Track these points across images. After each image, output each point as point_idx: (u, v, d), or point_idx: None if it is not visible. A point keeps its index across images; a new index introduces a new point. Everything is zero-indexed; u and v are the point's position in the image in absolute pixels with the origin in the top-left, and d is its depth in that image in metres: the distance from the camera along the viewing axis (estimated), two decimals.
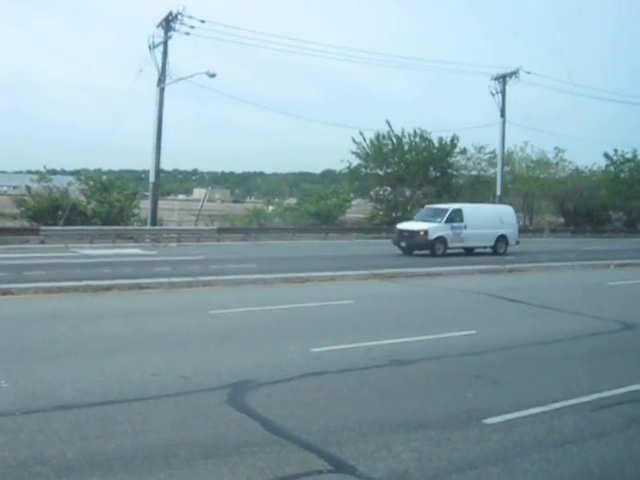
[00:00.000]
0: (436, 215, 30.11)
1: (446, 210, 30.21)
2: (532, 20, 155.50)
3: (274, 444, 5.81)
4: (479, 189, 52.69)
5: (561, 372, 8.67)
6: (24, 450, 5.53)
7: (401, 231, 30.18)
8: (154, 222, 38.26)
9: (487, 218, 30.61)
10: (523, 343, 10.45)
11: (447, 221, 29.23)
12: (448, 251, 28.85)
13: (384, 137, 48.36)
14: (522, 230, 52.35)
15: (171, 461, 5.36)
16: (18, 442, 5.71)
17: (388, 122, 48.29)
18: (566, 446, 5.92)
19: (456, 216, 29.47)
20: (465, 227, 29.33)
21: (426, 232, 28.72)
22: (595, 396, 7.39)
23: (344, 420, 6.46)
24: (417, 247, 29.07)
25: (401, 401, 7.28)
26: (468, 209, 30.73)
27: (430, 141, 48.95)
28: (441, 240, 28.85)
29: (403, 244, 29.42)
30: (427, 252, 28.55)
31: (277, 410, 6.77)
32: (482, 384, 8.06)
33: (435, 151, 48.84)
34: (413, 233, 29.27)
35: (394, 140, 48.37)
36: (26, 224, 36.09)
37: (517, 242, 31.33)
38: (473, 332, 11.10)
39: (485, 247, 30.28)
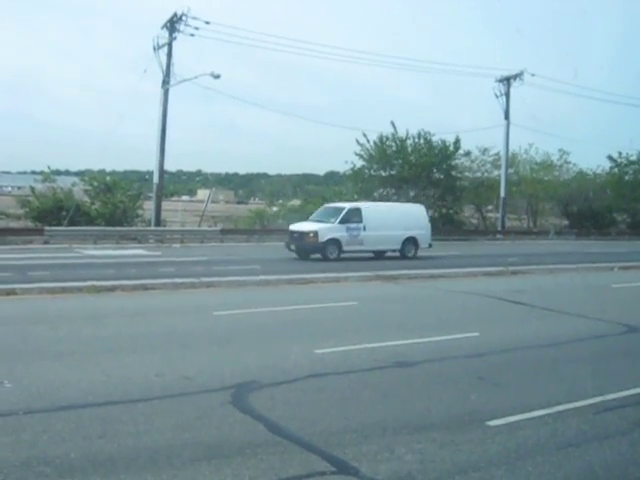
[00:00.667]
0: (332, 215, 27.11)
1: (342, 209, 27.19)
2: (537, 21, 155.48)
3: (277, 445, 5.81)
4: (483, 191, 52.66)
5: (564, 375, 8.66)
6: (27, 450, 5.54)
7: (292, 232, 27.17)
8: (158, 223, 38.30)
9: (392, 218, 27.48)
10: (526, 345, 10.43)
11: (342, 221, 26.21)
12: (345, 255, 25.97)
13: (387, 139, 48.32)
14: (526, 232, 52.54)
15: (174, 462, 5.37)
16: (21, 442, 5.73)
17: (392, 123, 48.24)
18: (569, 449, 5.92)
19: (353, 216, 26.50)
20: (364, 228, 26.34)
21: (316, 234, 25.70)
22: (598, 399, 7.38)
23: (347, 422, 6.46)
24: (307, 250, 26.08)
25: (404, 403, 7.28)
26: (368, 208, 27.83)
27: (433, 143, 48.88)
28: (334, 243, 25.87)
29: (293, 247, 26.58)
30: (319, 256, 25.80)
31: (280, 411, 6.77)
32: (485, 386, 8.05)
33: (438, 153, 48.75)
34: (303, 235, 26.21)
35: (398, 142, 48.32)
36: (30, 224, 36.11)
37: (430, 245, 28.34)
38: (476, 334, 11.09)
39: (391, 251, 27.50)
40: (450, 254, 29.44)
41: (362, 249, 26.64)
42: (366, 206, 28.40)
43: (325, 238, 25.71)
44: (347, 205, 28.31)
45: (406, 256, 27.09)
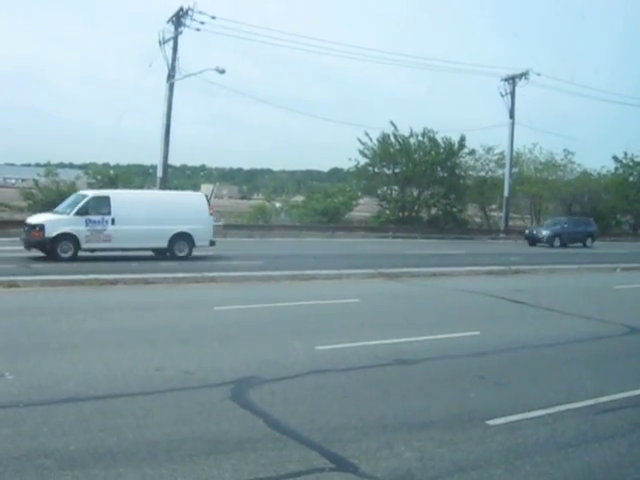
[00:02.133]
0: (74, 204, 22.16)
1: (83, 197, 22.42)
2: (538, 21, 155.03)
3: (277, 441, 5.82)
4: (486, 190, 52.62)
5: (565, 375, 8.65)
6: (28, 442, 5.56)
7: (25, 225, 22.33)
8: None
9: (155, 210, 22.32)
10: (527, 345, 10.43)
11: (80, 213, 21.35)
12: (84, 254, 21.48)
13: (389, 137, 48.29)
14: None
15: (174, 456, 5.38)
16: (22, 434, 5.75)
17: (392, 123, 48.24)
18: (568, 449, 5.92)
19: (98, 206, 21.60)
20: (113, 221, 21.48)
21: (42, 227, 20.99)
22: (598, 400, 7.37)
23: (347, 418, 6.47)
24: (35, 246, 21.43)
25: (404, 401, 7.28)
26: (120, 197, 22.85)
27: (437, 141, 48.84)
28: (67, 238, 21.02)
29: (24, 242, 21.84)
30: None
31: (280, 407, 6.78)
32: (486, 385, 8.05)
33: (443, 151, 48.72)
34: (30, 228, 21.48)
35: (400, 140, 48.28)
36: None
37: (212, 243, 23.75)
38: (477, 333, 11.09)
39: (155, 249, 22.71)
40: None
41: (110, 247, 21.76)
42: (117, 194, 23.66)
43: (54, 233, 20.90)
44: (90, 193, 23.54)
45: (176, 255, 22.35)
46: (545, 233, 40.83)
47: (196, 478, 4.98)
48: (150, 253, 22.54)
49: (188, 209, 23.13)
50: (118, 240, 21.54)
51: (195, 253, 23.08)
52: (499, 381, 8.24)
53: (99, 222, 21.38)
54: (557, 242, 39.84)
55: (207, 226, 23.49)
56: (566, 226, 41.62)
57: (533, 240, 40.85)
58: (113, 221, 21.50)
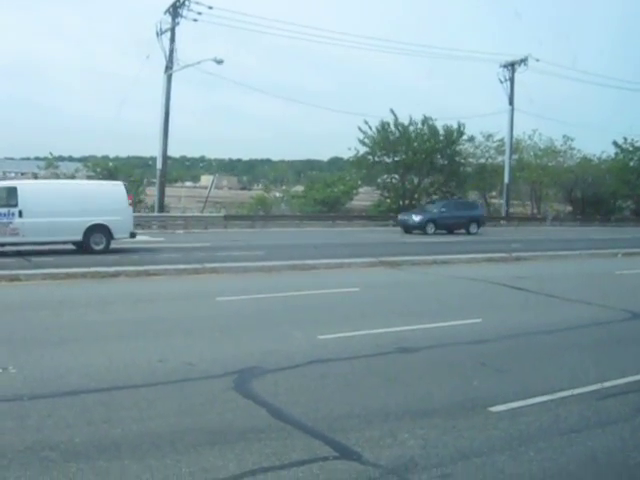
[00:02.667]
0: None
1: None
2: (537, 5, 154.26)
3: (280, 430, 5.84)
4: (487, 177, 52.58)
5: (567, 361, 8.66)
6: (32, 435, 5.57)
7: None
8: (161, 209, 38.36)
9: (68, 201, 20.74)
10: (529, 331, 10.43)
11: None
12: None
13: (389, 125, 48.20)
14: (529, 218, 52.40)
15: (178, 447, 5.40)
16: (26, 427, 5.76)
17: (392, 111, 48.14)
18: (571, 435, 5.93)
19: (4, 198, 20.17)
20: (20, 214, 19.97)
21: None
22: (601, 385, 7.38)
23: (350, 407, 6.48)
24: None
25: (407, 389, 7.29)
26: (29, 187, 21.22)
27: (437, 129, 48.75)
28: None
29: None
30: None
31: (283, 397, 6.79)
32: (488, 372, 8.06)
33: (443, 138, 48.64)
34: None
35: (400, 128, 48.19)
36: None
37: (133, 235, 22.36)
38: (479, 320, 11.09)
39: (69, 242, 21.31)
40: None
41: (18, 241, 20.36)
42: (26, 185, 21.99)
43: None
44: None
45: (92, 250, 20.88)
46: (417, 219, 36.39)
47: (200, 468, 5.00)
48: (70, 247, 21.31)
49: (105, 200, 21.62)
50: (26, 234, 20.14)
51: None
52: (501, 368, 8.25)
53: (4, 215, 19.93)
54: (431, 228, 35.77)
55: (126, 217, 22.04)
56: (443, 210, 37.48)
57: (407, 227, 36.57)
58: (20, 213, 20.03)
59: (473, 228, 37.56)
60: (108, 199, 21.69)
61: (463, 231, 37.33)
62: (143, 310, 11.84)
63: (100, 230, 21.29)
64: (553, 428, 6.07)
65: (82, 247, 21.01)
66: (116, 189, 22.63)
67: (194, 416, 6.18)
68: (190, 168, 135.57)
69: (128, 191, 23.00)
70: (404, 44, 65.51)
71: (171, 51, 37.12)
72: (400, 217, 38.31)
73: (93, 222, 21.08)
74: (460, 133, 49.22)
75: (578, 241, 30.44)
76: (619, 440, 5.88)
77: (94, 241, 21.19)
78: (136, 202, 39.82)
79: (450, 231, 36.73)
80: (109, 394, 6.81)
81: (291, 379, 7.51)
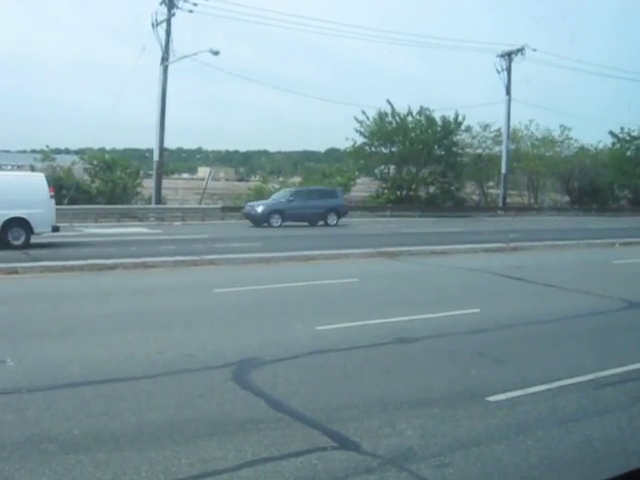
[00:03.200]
0: None
1: None
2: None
3: (279, 421, 5.85)
4: (484, 167, 52.54)
5: (565, 350, 8.69)
6: (31, 427, 5.58)
7: None
8: (158, 201, 38.33)
9: None
10: (527, 321, 10.45)
11: None
12: None
13: (386, 115, 48.11)
14: (527, 208, 52.43)
15: (177, 438, 5.41)
16: (25, 419, 5.77)
17: (389, 102, 48.03)
18: (569, 424, 5.95)
19: None
20: None
21: None
22: (598, 374, 7.40)
23: (348, 398, 6.50)
24: None
25: (405, 379, 7.31)
26: None
27: (434, 119, 48.66)
28: None
29: None
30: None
31: (282, 388, 6.81)
32: (486, 362, 8.08)
33: (439, 129, 48.56)
34: None
35: (397, 119, 48.11)
36: None
37: (55, 228, 20.95)
38: (477, 310, 11.11)
39: None
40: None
41: None
42: None
43: None
44: None
45: (11, 244, 19.64)
46: (260, 209, 32.01)
47: (199, 460, 5.01)
48: None
49: (24, 192, 19.98)
50: None
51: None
52: (499, 358, 8.27)
53: None
54: (277, 220, 31.39)
55: (48, 210, 20.52)
56: (292, 199, 32.93)
57: (252, 219, 32.21)
58: None
59: (332, 219, 33.14)
60: (28, 191, 20.17)
61: (321, 223, 33.08)
62: (141, 302, 11.84)
63: (19, 224, 20.04)
64: (551, 417, 6.09)
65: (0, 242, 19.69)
66: (36, 180, 21.27)
67: (193, 407, 6.19)
68: (187, 160, 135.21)
69: (49, 183, 21.64)
70: (401, 34, 65.69)
71: (167, 42, 36.98)
72: (245, 207, 33.62)
73: (10, 216, 19.77)
74: (458, 123, 49.14)
75: (575, 231, 30.42)
76: (616, 429, 5.91)
77: (13, 236, 19.97)
78: (133, 194, 39.84)
79: (313, 223, 32.60)
80: (108, 386, 6.82)
81: (290, 370, 7.52)
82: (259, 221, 31.54)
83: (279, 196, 34.61)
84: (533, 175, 56.57)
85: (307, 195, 34.21)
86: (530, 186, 57.72)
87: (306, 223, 32.39)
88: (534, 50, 47.12)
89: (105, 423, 5.73)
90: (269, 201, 33.63)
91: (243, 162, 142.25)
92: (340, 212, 34.01)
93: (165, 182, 42.04)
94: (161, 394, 6.56)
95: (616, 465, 5.26)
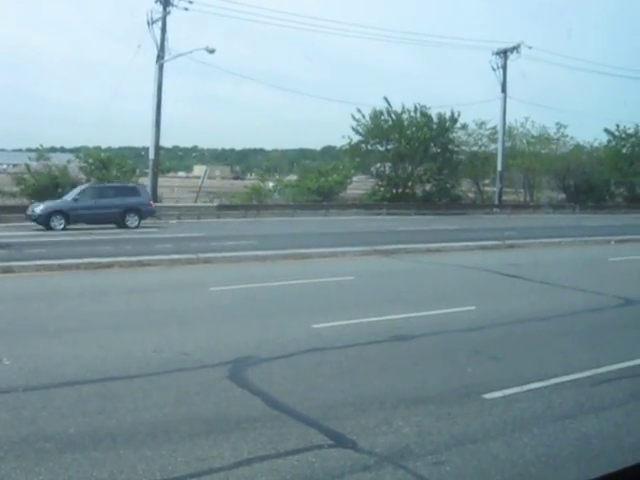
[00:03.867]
0: None
1: None
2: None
3: (275, 419, 5.85)
4: (480, 165, 52.59)
5: (561, 347, 8.70)
6: (27, 426, 5.57)
7: None
8: (154, 199, 38.23)
9: None
10: (523, 318, 10.46)
11: None
12: None
13: (382, 113, 48.11)
14: (523, 206, 52.49)
15: (173, 436, 5.40)
16: (21, 418, 5.76)
17: (386, 99, 48.04)
18: (565, 420, 5.96)
19: None
20: None
21: None
22: (594, 371, 7.42)
23: (345, 395, 6.50)
24: None
25: (402, 376, 7.32)
26: None
27: (430, 117, 48.67)
28: None
29: None
30: None
31: (278, 386, 6.80)
32: (482, 359, 8.09)
33: (435, 127, 48.56)
34: None
35: (393, 116, 48.11)
36: (26, 202, 36.01)
37: None
38: (473, 308, 11.12)
39: None
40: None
41: None
42: None
43: None
44: None
45: None
46: (40, 210, 27.36)
47: (195, 458, 5.00)
48: None
49: None
50: None
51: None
52: (495, 355, 8.28)
53: None
54: (59, 223, 26.85)
55: None
56: (78, 198, 28.28)
57: (34, 220, 27.33)
58: None
59: (132, 221, 28.54)
60: None
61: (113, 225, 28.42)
62: (137, 300, 11.82)
63: None
64: (547, 414, 6.10)
65: None
66: None
67: (189, 406, 6.18)
68: (183, 158, 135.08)
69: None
70: (397, 32, 65.50)
71: (162, 40, 36.91)
72: (30, 208, 28.62)
73: None
74: (454, 121, 49.16)
75: (571, 228, 30.44)
76: (613, 425, 5.93)
77: None
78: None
79: (116, 224, 28.38)
80: (104, 385, 6.81)
81: (286, 368, 7.52)
82: (40, 223, 27.05)
83: (71, 194, 29.57)
84: (529, 173, 56.58)
85: (98, 193, 29.24)
86: (526, 184, 57.74)
87: (101, 226, 27.79)
88: (530, 48, 47.22)
89: (101, 422, 5.72)
90: (55, 201, 29.00)
91: (239, 160, 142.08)
92: (142, 213, 29.40)
93: (161, 180, 42.03)
94: (157, 392, 6.55)
95: (612, 462, 5.27)
